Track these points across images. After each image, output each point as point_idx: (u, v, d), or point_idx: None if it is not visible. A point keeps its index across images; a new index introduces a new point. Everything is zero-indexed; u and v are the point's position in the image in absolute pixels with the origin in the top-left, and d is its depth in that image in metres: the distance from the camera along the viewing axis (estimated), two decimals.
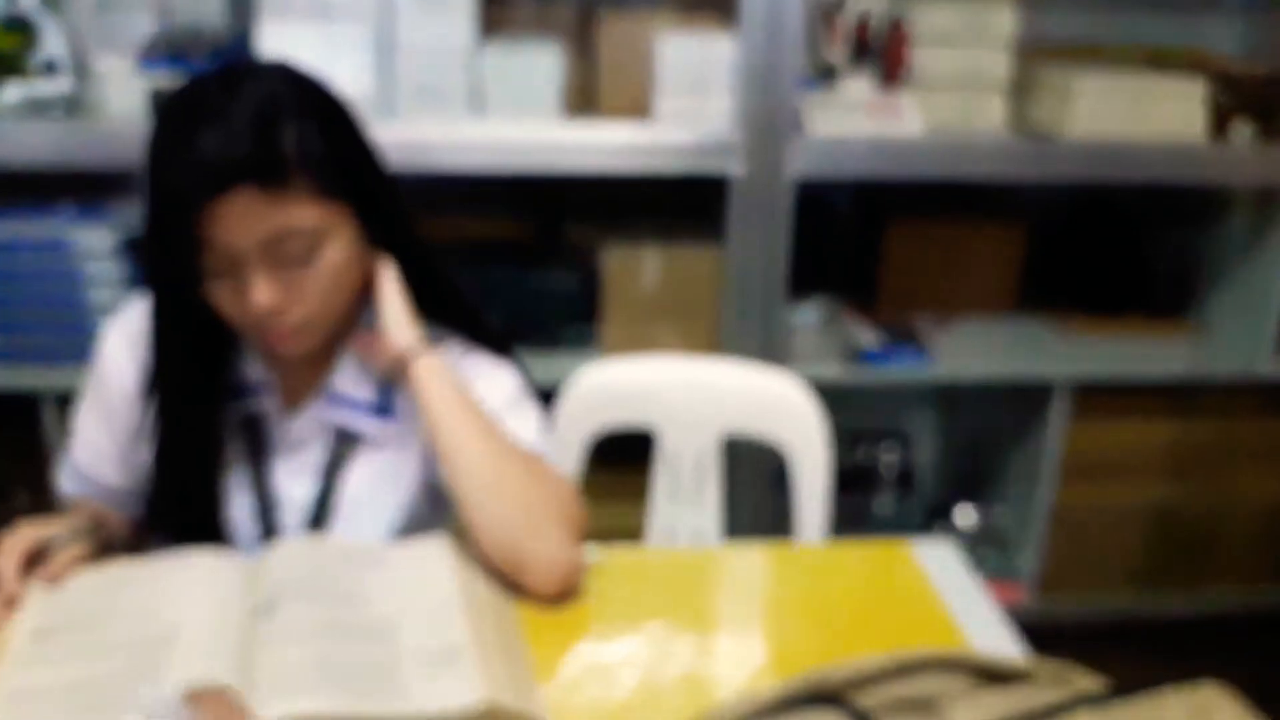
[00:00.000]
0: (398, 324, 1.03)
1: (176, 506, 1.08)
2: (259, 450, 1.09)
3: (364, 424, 1.09)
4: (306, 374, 1.09)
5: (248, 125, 0.91)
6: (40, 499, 1.96)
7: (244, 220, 0.91)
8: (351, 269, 1.01)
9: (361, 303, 1.07)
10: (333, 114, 0.99)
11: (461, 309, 1.13)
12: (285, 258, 0.95)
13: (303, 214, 0.94)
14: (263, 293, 0.94)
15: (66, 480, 1.14)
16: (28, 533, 0.96)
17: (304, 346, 1.02)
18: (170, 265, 0.96)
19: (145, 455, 1.07)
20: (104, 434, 1.11)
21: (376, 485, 1.10)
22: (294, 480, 1.09)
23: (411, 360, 1.02)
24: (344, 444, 1.09)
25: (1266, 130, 1.96)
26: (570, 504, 1.02)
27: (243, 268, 0.94)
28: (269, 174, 0.91)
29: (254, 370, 1.09)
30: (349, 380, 1.09)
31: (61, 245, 1.79)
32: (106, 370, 1.10)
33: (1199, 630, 2.25)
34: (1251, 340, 2.11)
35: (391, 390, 1.09)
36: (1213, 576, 2.27)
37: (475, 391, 1.07)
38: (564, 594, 0.99)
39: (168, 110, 0.95)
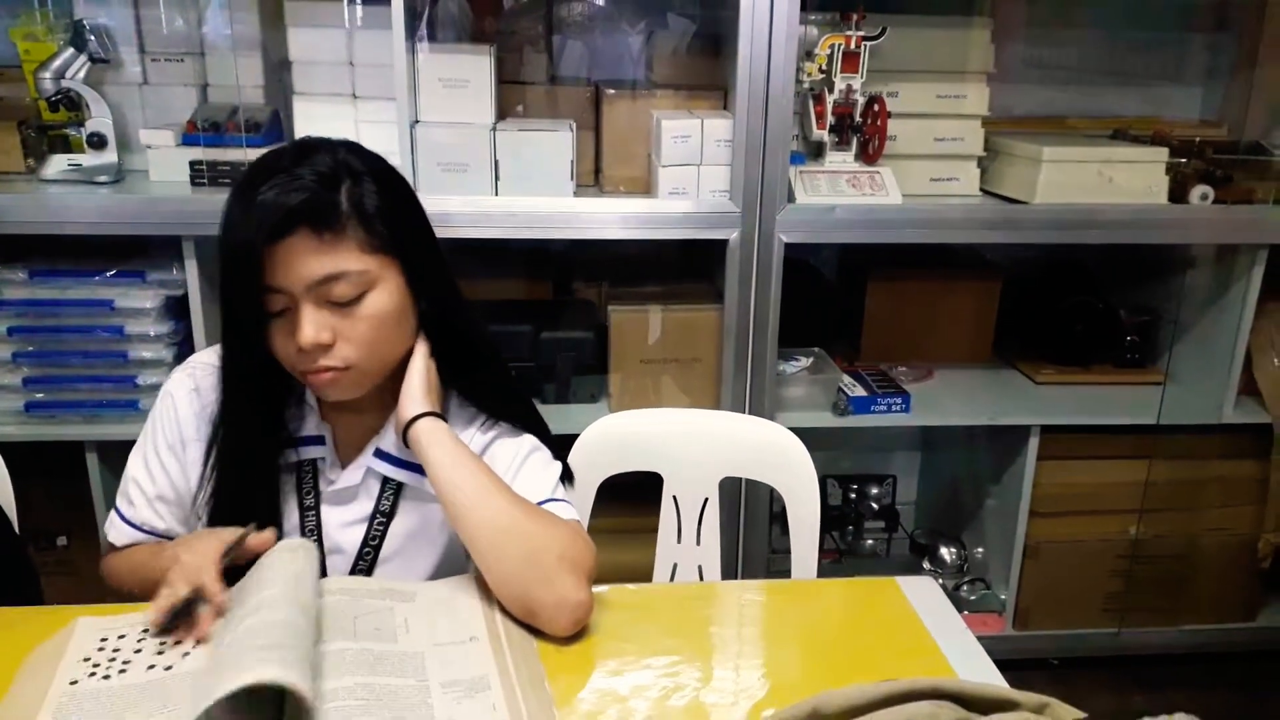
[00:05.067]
0: (411, 395, 1.10)
1: None
2: (310, 498, 1.16)
3: (407, 479, 1.16)
4: (358, 431, 1.17)
5: (309, 180, 1.00)
6: (85, 545, 2.04)
7: (299, 262, 0.99)
8: (398, 323, 1.07)
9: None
10: (391, 181, 1.08)
11: (498, 380, 1.20)
12: (333, 299, 1.02)
13: (352, 260, 1.02)
14: (309, 328, 1.01)
15: (119, 527, 1.19)
16: (210, 545, 1.01)
17: (346, 393, 1.08)
18: (240, 310, 1.03)
19: (198, 502, 1.14)
20: (161, 479, 1.16)
21: (418, 535, 1.18)
22: (343, 530, 1.17)
23: (414, 424, 1.08)
24: (390, 496, 1.17)
25: (1224, 193, 2.06)
26: (577, 549, 1.06)
27: (296, 309, 1.02)
28: (322, 220, 1.00)
29: (311, 424, 1.16)
30: (394, 441, 1.15)
31: (106, 305, 1.89)
32: (169, 418, 1.16)
33: (1172, 663, 2.33)
34: (1215, 389, 2.20)
35: None
36: (1184, 611, 2.33)
37: (495, 449, 1.15)
38: (575, 631, 1.03)
39: (243, 176, 1.04)
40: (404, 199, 1.10)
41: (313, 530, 1.16)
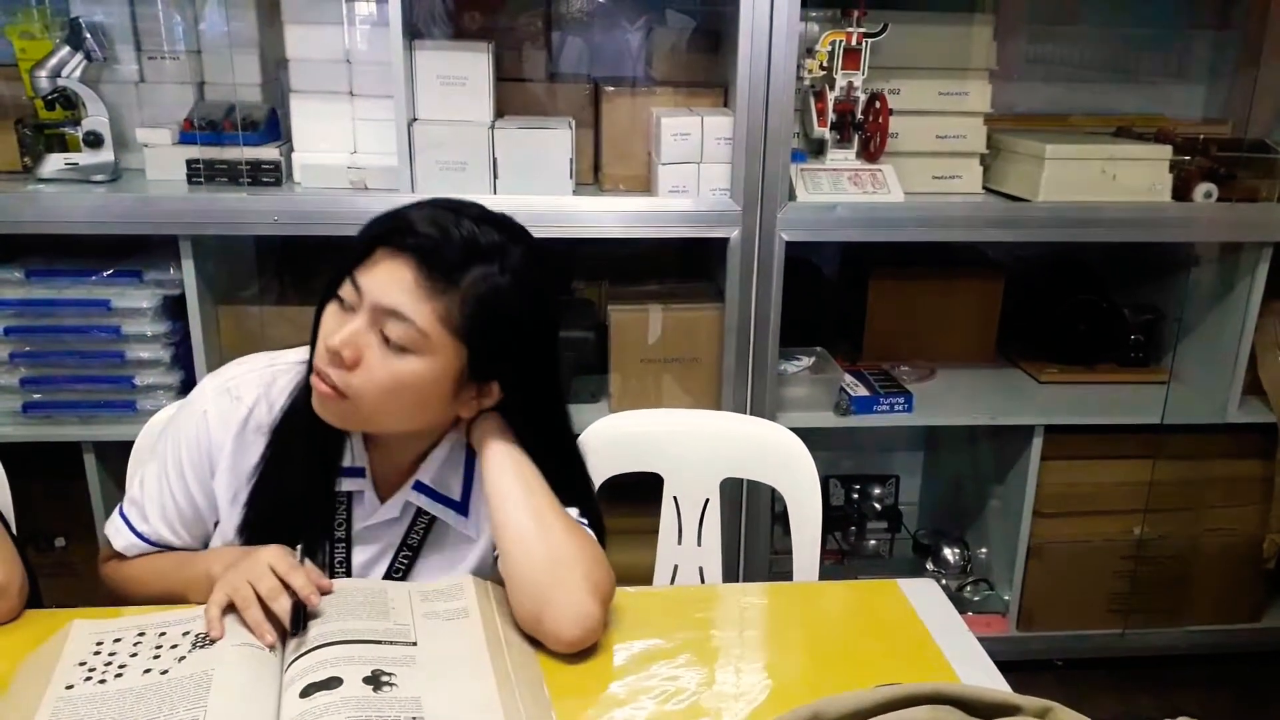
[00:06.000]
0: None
1: None
2: (342, 530, 1.14)
3: (440, 513, 1.14)
4: (398, 468, 1.14)
5: (460, 231, 1.00)
6: (83, 546, 2.03)
7: (388, 281, 0.99)
8: (417, 401, 1.04)
9: (452, 424, 1.13)
10: (526, 293, 1.04)
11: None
12: (384, 333, 1.00)
13: (423, 317, 0.99)
14: (345, 334, 1.00)
15: (126, 536, 1.15)
16: (269, 554, 1.01)
17: (341, 417, 1.05)
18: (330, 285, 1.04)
19: (223, 521, 1.12)
20: (182, 498, 1.13)
21: (445, 574, 1.15)
22: (370, 566, 1.15)
23: (488, 413, 1.10)
24: (420, 531, 1.15)
25: (1228, 191, 2.05)
26: (599, 568, 1.06)
27: (355, 315, 1.01)
28: (434, 268, 0.98)
29: (353, 455, 1.12)
30: (433, 477, 1.14)
31: (103, 305, 1.88)
32: (199, 440, 1.12)
33: (1177, 664, 2.32)
34: (1220, 388, 2.19)
35: (470, 491, 1.14)
36: (1189, 611, 2.32)
37: None
38: (579, 645, 1.02)
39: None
40: (526, 312, 1.06)
41: (341, 563, 1.14)
